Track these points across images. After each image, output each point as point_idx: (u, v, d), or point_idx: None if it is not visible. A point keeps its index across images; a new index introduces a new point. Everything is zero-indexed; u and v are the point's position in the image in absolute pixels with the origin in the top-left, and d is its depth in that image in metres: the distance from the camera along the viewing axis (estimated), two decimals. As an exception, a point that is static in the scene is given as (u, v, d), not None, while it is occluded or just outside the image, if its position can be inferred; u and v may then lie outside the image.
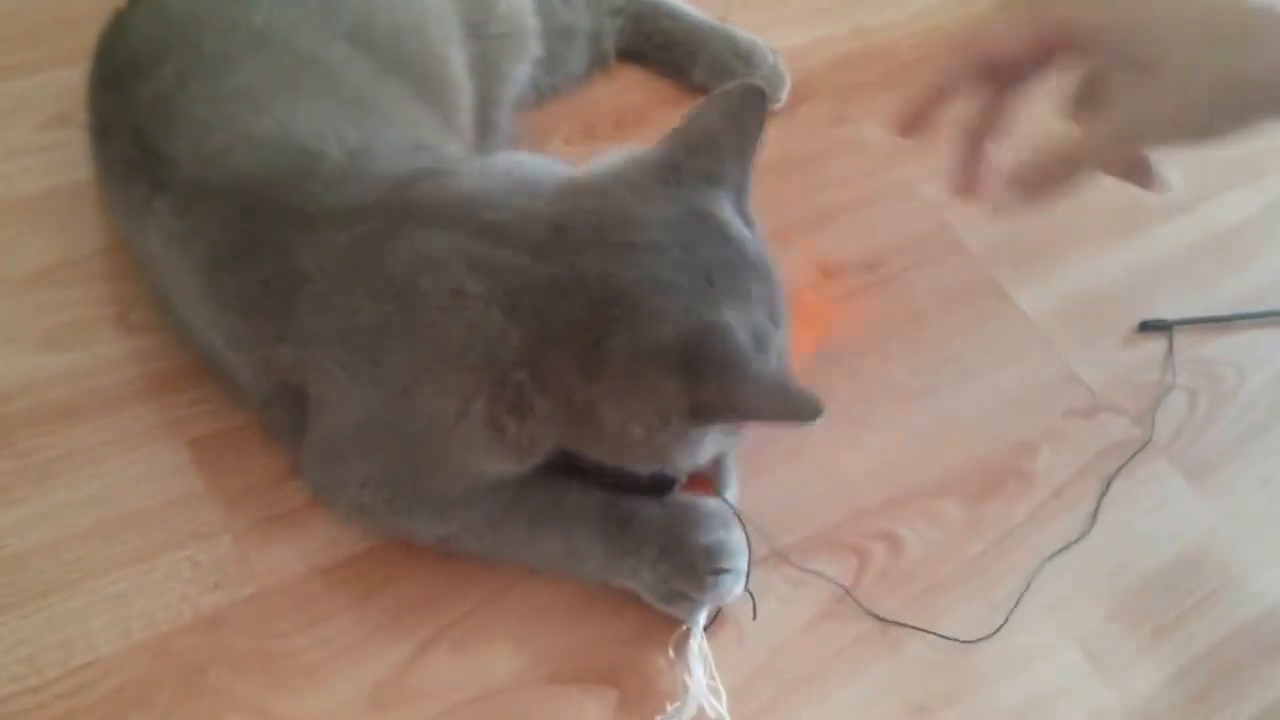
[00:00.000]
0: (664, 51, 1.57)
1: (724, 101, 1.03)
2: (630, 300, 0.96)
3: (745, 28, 1.59)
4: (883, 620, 1.18)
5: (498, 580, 1.15)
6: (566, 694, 1.10)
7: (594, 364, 0.97)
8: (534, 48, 1.44)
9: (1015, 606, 1.20)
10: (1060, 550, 1.25)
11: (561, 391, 0.99)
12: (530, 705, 1.09)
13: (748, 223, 1.05)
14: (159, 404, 1.20)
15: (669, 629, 1.12)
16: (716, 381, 0.96)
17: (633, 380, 0.97)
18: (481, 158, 1.13)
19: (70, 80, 1.32)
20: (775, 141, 1.46)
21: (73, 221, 1.31)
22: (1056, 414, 1.36)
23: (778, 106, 1.56)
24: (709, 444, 1.06)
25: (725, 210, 1.02)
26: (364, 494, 1.11)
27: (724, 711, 1.08)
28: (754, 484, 1.21)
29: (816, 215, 1.47)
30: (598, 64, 1.56)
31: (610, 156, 1.05)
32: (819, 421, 0.95)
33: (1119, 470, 1.32)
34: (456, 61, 1.32)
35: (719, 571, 1.10)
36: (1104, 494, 1.30)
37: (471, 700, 1.08)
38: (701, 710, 1.08)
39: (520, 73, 1.43)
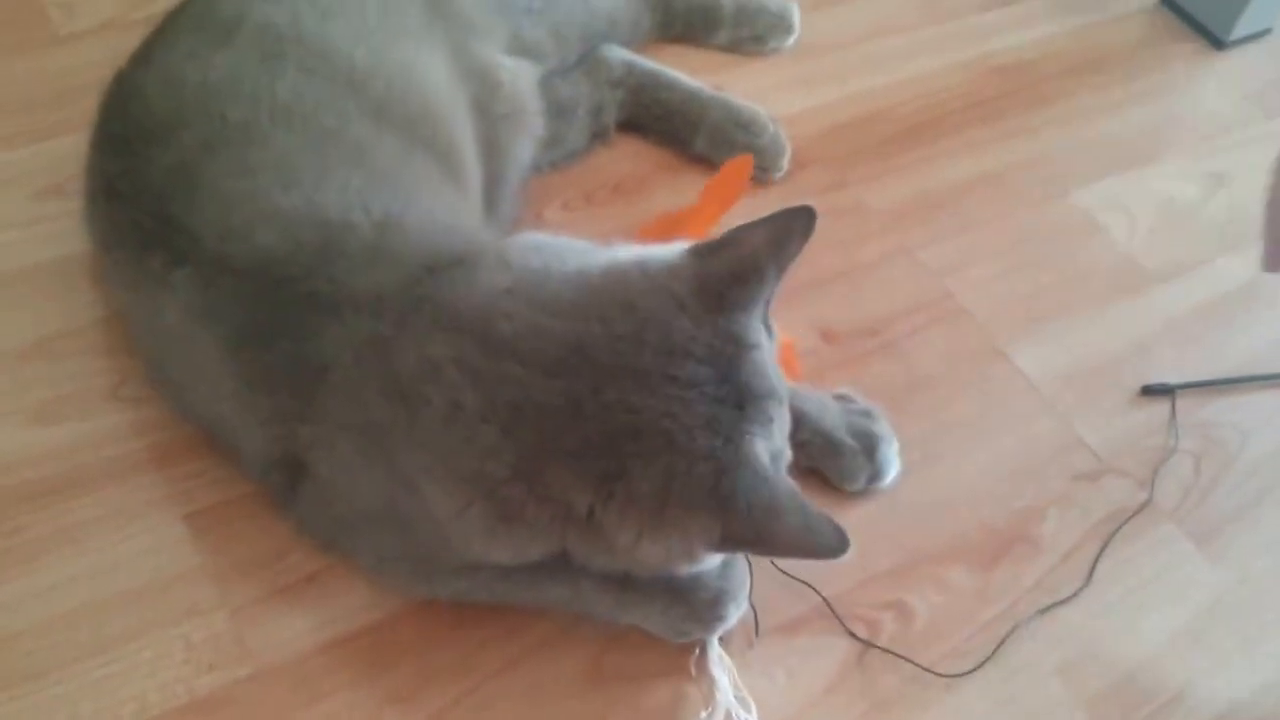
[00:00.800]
0: (664, 122, 1.57)
1: (775, 227, 0.99)
2: (664, 436, 0.94)
3: (740, 95, 1.59)
4: (891, 688, 1.16)
5: (505, 654, 1.13)
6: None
7: (609, 486, 0.95)
8: (536, 126, 1.44)
9: (1024, 667, 1.20)
10: (1054, 605, 1.24)
11: (563, 503, 0.97)
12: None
13: (768, 330, 1.03)
14: (154, 477, 1.18)
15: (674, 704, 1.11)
16: (750, 520, 0.94)
17: (658, 511, 0.95)
18: (503, 244, 1.09)
19: (63, 151, 1.32)
20: (775, 207, 1.49)
21: (65, 294, 1.29)
22: (1062, 478, 1.35)
23: (779, 175, 1.56)
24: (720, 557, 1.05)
25: (757, 332, 1.00)
26: (381, 566, 1.12)
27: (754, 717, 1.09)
28: (757, 562, 1.19)
29: (817, 280, 1.46)
30: (599, 137, 1.56)
31: (635, 252, 1.02)
32: (846, 557, 0.94)
33: (1117, 530, 1.31)
34: (466, 140, 1.32)
35: (724, 615, 1.12)
36: (1101, 552, 1.29)
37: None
38: (730, 716, 1.10)
39: (524, 150, 1.43)
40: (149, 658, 1.08)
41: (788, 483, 0.96)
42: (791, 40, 1.73)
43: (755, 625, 1.17)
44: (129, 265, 1.16)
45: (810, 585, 1.20)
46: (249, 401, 1.09)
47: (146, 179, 1.13)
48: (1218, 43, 1.89)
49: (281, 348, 1.06)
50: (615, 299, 0.97)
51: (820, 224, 1.48)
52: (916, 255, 1.52)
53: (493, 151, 1.37)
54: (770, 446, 0.97)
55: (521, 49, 1.46)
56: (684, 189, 1.50)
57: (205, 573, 1.13)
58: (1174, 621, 1.26)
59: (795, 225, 0.99)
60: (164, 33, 1.25)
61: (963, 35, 1.82)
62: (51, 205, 1.34)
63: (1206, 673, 1.23)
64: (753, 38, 1.72)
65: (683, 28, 1.71)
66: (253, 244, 1.07)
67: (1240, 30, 1.88)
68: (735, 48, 1.73)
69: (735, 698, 1.11)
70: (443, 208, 1.19)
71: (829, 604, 1.20)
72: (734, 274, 0.97)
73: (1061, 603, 1.25)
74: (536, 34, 1.48)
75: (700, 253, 0.99)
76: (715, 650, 1.13)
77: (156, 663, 1.08)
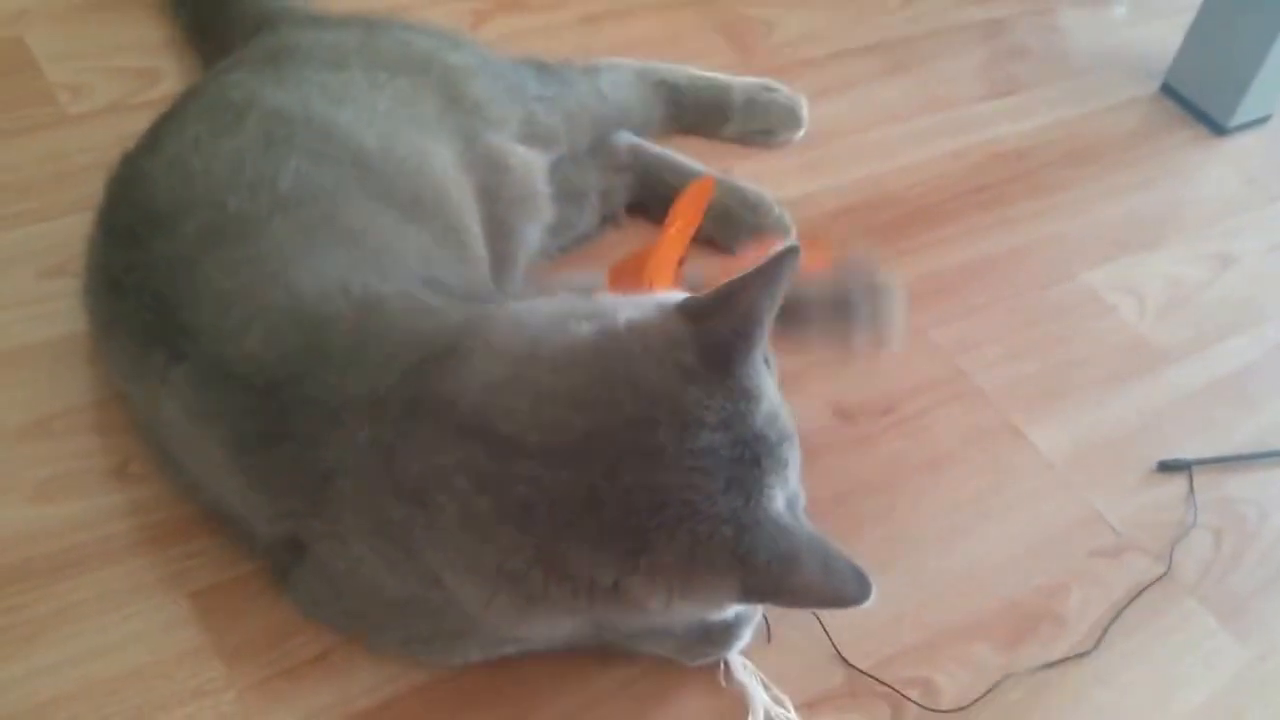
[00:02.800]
0: (670, 204, 1.56)
1: (766, 276, 0.96)
2: (686, 506, 0.91)
3: (746, 178, 1.59)
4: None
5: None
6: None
7: (633, 561, 0.92)
8: (546, 211, 1.44)
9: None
10: (1080, 681, 1.22)
11: (585, 578, 0.94)
12: None
13: (767, 363, 1.01)
14: (158, 556, 1.15)
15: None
16: (770, 574, 0.92)
17: (684, 575, 0.92)
18: (488, 323, 1.04)
19: (66, 232, 1.31)
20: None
21: (68, 373, 1.27)
22: (1082, 554, 1.33)
23: None
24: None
25: (761, 375, 0.97)
26: (410, 647, 1.11)
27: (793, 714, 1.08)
28: (783, 630, 1.18)
29: (830, 358, 1.43)
30: (608, 220, 1.56)
31: (621, 312, 0.98)
32: (869, 603, 0.92)
33: (1137, 604, 1.29)
34: (472, 222, 1.31)
35: (740, 635, 1.13)
36: (1124, 628, 1.26)
37: None
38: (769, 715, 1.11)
39: (532, 234, 1.42)
40: (153, 740, 1.04)
41: (807, 530, 0.94)
42: (800, 134, 1.73)
43: (767, 631, 1.17)
44: (130, 357, 1.14)
45: (841, 655, 1.19)
46: (254, 500, 1.08)
47: (149, 271, 1.12)
48: (1218, 129, 1.91)
49: (284, 451, 1.04)
50: (620, 379, 0.93)
51: None
52: (928, 335, 1.51)
53: (501, 234, 1.36)
54: (787, 493, 0.95)
55: (534, 135, 1.46)
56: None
57: (211, 652, 1.10)
58: (1200, 696, 1.24)
59: (784, 268, 0.97)
60: (173, 118, 1.25)
61: (964, 124, 1.83)
62: (56, 285, 1.32)
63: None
64: (761, 130, 1.73)
65: (693, 120, 1.71)
66: (243, 347, 1.06)
67: (1240, 117, 1.90)
68: (744, 140, 1.73)
69: (770, 697, 1.12)
70: (434, 266, 1.18)
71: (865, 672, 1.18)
72: (736, 332, 0.94)
73: (1087, 679, 1.22)
74: (549, 121, 1.48)
75: (696, 314, 0.96)
76: (738, 660, 1.14)
77: (162, 744, 1.04)
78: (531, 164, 1.43)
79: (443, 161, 1.31)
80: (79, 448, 1.22)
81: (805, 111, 1.73)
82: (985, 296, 1.58)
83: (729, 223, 1.55)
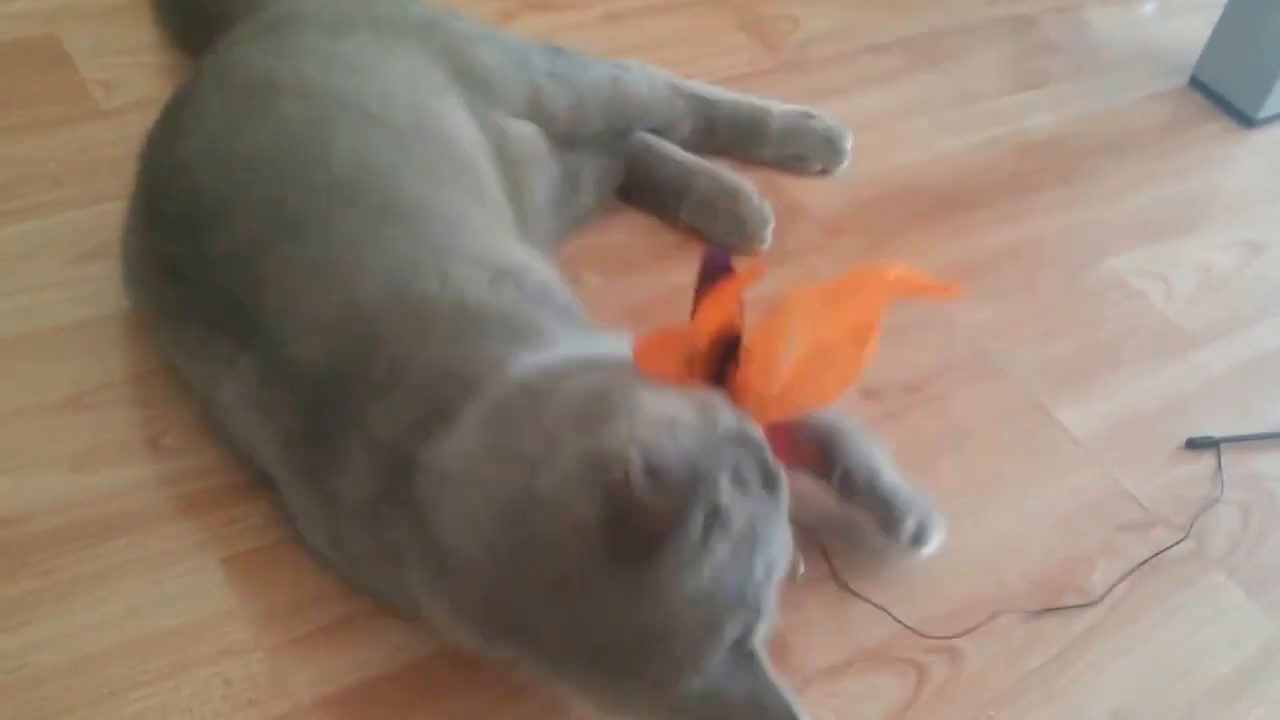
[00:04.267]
0: (650, 191, 1.57)
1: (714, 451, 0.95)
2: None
3: (775, 173, 1.62)
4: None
5: (541, 700, 1.10)
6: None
7: None
8: (551, 166, 1.44)
9: (1076, 712, 1.17)
10: (1105, 651, 1.23)
11: None
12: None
13: (771, 480, 1.01)
14: (192, 523, 1.18)
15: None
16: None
17: None
18: (501, 397, 1.02)
19: (100, 219, 1.35)
20: (809, 271, 1.50)
21: (103, 350, 1.30)
22: (1109, 529, 1.33)
23: (764, 246, 1.54)
24: None
25: (695, 557, 0.93)
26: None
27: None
28: (811, 601, 1.19)
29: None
30: (605, 196, 1.56)
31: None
32: None
33: (1159, 573, 1.29)
34: (495, 185, 1.32)
35: None
36: (1150, 600, 1.27)
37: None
38: None
39: (542, 189, 1.43)
40: (186, 695, 1.06)
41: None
42: (843, 166, 1.69)
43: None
44: (196, 339, 1.17)
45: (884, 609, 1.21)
46: (301, 490, 1.10)
47: (212, 264, 1.14)
48: (1247, 121, 1.91)
49: (323, 456, 1.06)
50: (534, 556, 0.95)
51: None
52: (955, 318, 1.52)
53: (516, 188, 1.37)
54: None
55: (539, 113, 1.46)
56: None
57: (241, 614, 1.12)
58: (1226, 667, 1.24)
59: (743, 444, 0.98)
60: (191, 101, 1.27)
61: (993, 116, 1.85)
62: (91, 268, 1.36)
63: (1270, 713, 1.20)
64: (797, 156, 1.68)
65: (727, 139, 1.66)
66: (301, 352, 1.08)
67: (1268, 109, 1.90)
68: (781, 165, 1.69)
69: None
70: (489, 243, 1.20)
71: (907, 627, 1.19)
72: (664, 517, 0.90)
73: (1113, 649, 1.22)
74: (556, 100, 1.47)
75: (623, 489, 0.90)
76: None
77: (193, 699, 1.06)
78: (526, 132, 1.44)
79: (466, 127, 1.32)
80: (115, 420, 1.25)
81: (849, 144, 1.68)
82: (1013, 280, 1.59)
83: (706, 210, 1.55)
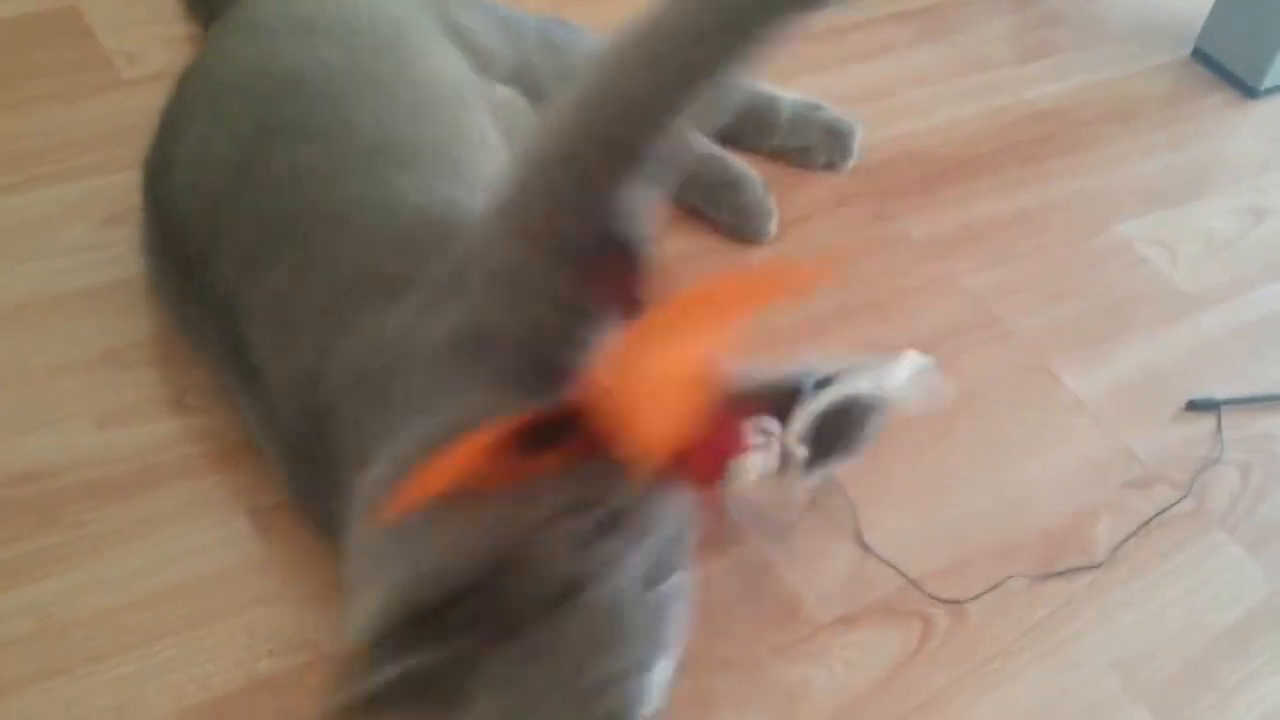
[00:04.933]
0: None
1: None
2: None
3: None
4: (946, 683, 1.16)
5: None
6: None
7: None
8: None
9: (1079, 663, 1.20)
10: (1108, 604, 1.25)
11: None
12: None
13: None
14: (219, 477, 1.20)
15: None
16: None
17: None
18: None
19: (124, 185, 1.36)
20: (817, 238, 1.52)
21: (129, 311, 1.33)
22: (1112, 487, 1.35)
23: (767, 239, 1.54)
24: None
25: None
26: None
27: None
28: (824, 549, 1.23)
29: (861, 304, 1.48)
30: None
31: None
32: None
33: (1160, 531, 1.32)
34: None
35: None
36: (1152, 555, 1.30)
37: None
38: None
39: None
40: (212, 644, 1.09)
41: None
42: (848, 165, 1.66)
43: None
44: (212, 356, 1.21)
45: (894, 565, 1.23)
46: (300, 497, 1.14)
47: (209, 289, 1.17)
48: (1250, 92, 1.93)
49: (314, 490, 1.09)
50: None
51: (862, 253, 1.55)
52: (961, 282, 1.54)
53: (506, 131, 1.36)
54: None
55: (526, 85, 1.44)
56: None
57: (267, 566, 1.15)
58: (1225, 621, 1.26)
59: None
60: (179, 103, 1.29)
61: (998, 86, 1.87)
62: (117, 232, 1.38)
63: (1267, 664, 1.23)
64: (803, 149, 1.65)
65: (733, 125, 1.62)
66: (287, 394, 1.09)
67: (1271, 80, 1.92)
68: (786, 158, 1.66)
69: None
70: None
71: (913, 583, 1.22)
72: None
73: (1116, 602, 1.25)
74: (544, 72, 1.46)
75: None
76: None
77: (219, 648, 1.09)
78: (518, 98, 1.43)
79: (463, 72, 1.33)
80: (145, 378, 1.28)
81: (856, 142, 1.65)
82: (1019, 246, 1.61)
83: (708, 200, 1.54)
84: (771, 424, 1.06)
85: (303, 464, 1.10)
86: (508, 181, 1.03)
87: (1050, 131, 1.80)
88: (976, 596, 1.23)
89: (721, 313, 0.94)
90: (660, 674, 0.93)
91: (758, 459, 1.03)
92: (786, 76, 1.68)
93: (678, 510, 0.96)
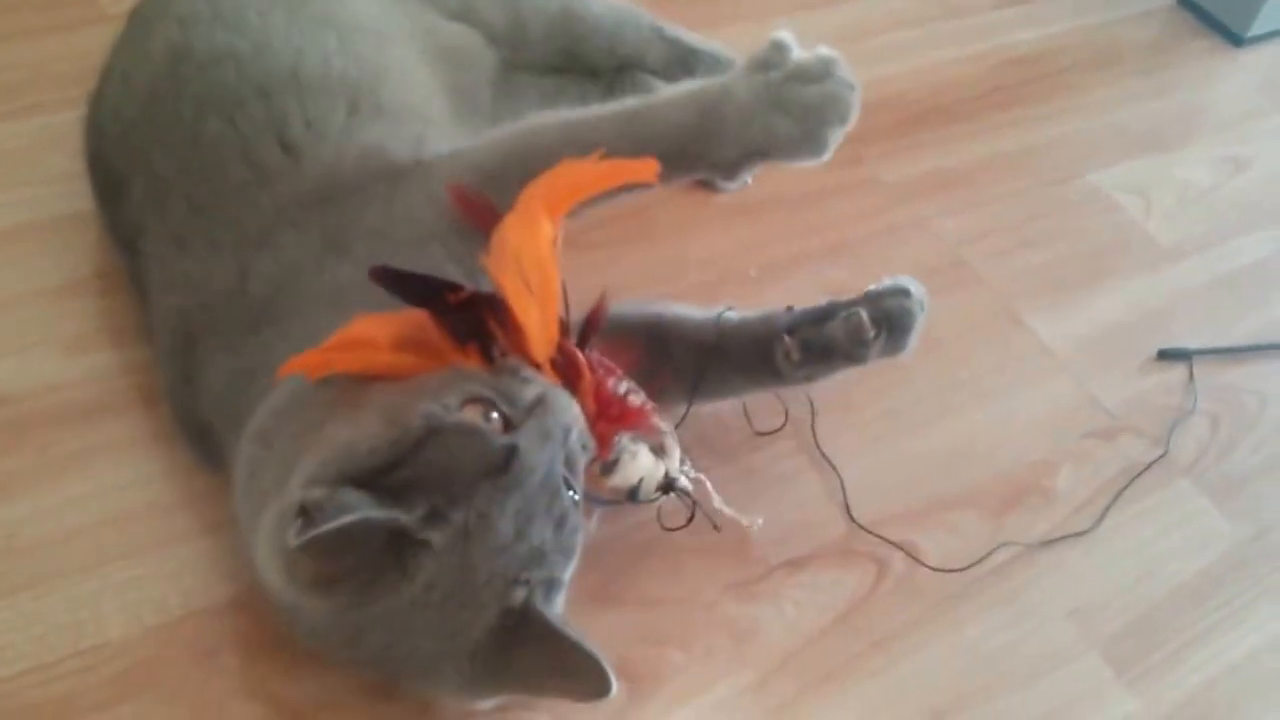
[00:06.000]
0: None
1: None
2: None
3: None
4: (899, 624, 1.17)
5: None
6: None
7: None
8: (489, 55, 1.43)
9: (1034, 610, 1.20)
10: (1065, 550, 1.25)
11: None
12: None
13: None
14: (181, 404, 1.21)
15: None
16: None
17: None
18: None
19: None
20: (789, 179, 1.51)
21: (101, 240, 1.33)
22: (1076, 435, 1.36)
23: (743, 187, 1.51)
24: None
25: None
26: None
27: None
28: (781, 490, 1.23)
29: (829, 246, 1.48)
30: None
31: None
32: (611, 695, 0.92)
33: (1132, 482, 1.32)
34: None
35: None
36: (1114, 503, 1.30)
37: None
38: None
39: (483, 94, 1.42)
40: (173, 566, 1.10)
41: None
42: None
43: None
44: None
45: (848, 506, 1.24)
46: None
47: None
48: (1235, 40, 1.93)
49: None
50: None
51: (833, 195, 1.55)
52: (931, 226, 1.55)
53: (455, 67, 1.36)
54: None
55: (475, 21, 1.43)
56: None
57: (229, 490, 1.15)
58: (1188, 571, 1.27)
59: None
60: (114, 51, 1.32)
61: (978, 30, 1.87)
62: (91, 163, 1.39)
63: (1228, 618, 1.23)
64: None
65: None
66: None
67: (1258, 28, 1.92)
68: None
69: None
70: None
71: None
72: None
73: (1073, 550, 1.25)
74: (493, 10, 1.44)
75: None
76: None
77: (180, 570, 1.10)
78: (468, 33, 1.42)
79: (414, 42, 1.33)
80: (109, 306, 1.29)
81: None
82: (991, 190, 1.62)
83: None
84: (667, 427, 1.10)
85: (180, 390, 1.13)
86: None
87: (1030, 76, 1.80)
88: (932, 541, 1.23)
89: (569, 196, 1.04)
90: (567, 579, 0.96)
91: (645, 461, 1.06)
92: (764, 17, 1.67)
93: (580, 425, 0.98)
